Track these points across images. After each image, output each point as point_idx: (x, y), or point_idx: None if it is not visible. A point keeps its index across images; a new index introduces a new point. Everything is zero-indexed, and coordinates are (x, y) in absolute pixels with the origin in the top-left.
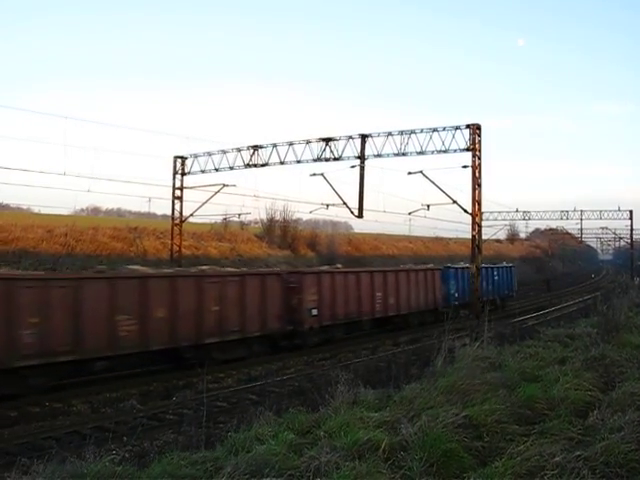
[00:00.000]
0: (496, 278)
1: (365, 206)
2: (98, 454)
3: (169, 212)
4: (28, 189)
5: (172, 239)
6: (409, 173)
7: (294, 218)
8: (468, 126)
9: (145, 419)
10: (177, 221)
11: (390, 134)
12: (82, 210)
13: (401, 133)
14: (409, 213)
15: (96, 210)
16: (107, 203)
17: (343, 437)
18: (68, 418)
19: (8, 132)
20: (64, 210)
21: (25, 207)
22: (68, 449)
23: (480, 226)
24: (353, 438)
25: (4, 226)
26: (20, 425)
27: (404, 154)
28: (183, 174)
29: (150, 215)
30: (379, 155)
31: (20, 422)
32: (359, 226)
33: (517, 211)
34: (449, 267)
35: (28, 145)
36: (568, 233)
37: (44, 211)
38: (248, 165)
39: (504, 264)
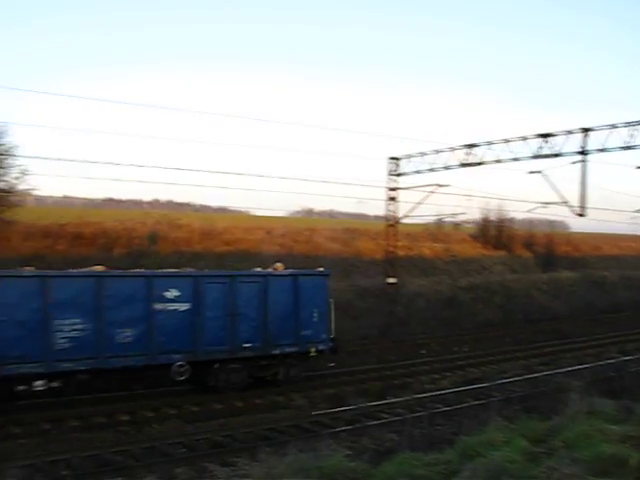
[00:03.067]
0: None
1: (587, 204)
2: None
3: (381, 213)
4: (244, 192)
5: (387, 240)
6: (638, 167)
7: (508, 217)
8: None
9: (362, 417)
10: (391, 222)
11: (614, 126)
12: (297, 212)
13: (628, 125)
14: (636, 211)
15: (310, 212)
16: (320, 205)
17: (583, 449)
18: (288, 411)
19: (215, 138)
20: (280, 212)
21: (244, 210)
22: (289, 442)
23: None
24: (595, 451)
25: (228, 228)
26: (246, 415)
27: (631, 147)
28: (397, 175)
29: (362, 216)
30: (603, 149)
31: (247, 412)
32: (577, 225)
33: None
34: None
35: (244, 150)
36: None
37: (261, 213)
38: (463, 164)
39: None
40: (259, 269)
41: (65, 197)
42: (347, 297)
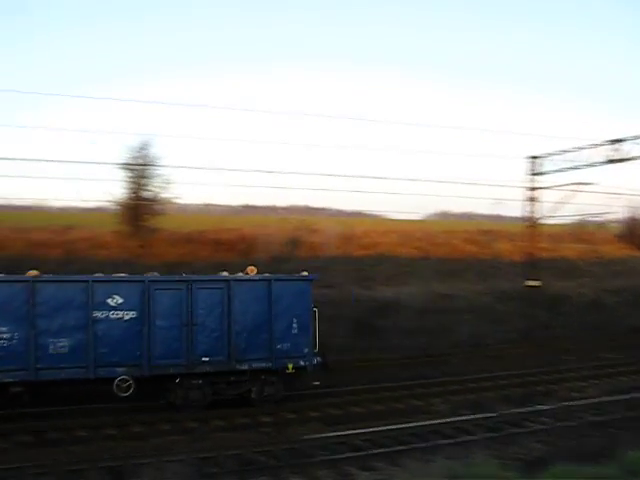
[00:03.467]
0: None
1: None
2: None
3: (517, 214)
4: (379, 196)
5: (527, 241)
6: None
7: None
8: None
9: (504, 424)
10: (531, 223)
11: None
12: (433, 215)
13: None
14: None
15: (445, 214)
16: (456, 206)
17: None
18: (428, 416)
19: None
20: (416, 215)
21: (379, 213)
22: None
23: None
24: None
25: (364, 232)
26: (386, 420)
27: None
28: (537, 174)
29: (497, 217)
30: None
31: (387, 417)
32: None
33: None
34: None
35: (378, 153)
36: None
37: (397, 217)
38: (608, 161)
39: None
40: (225, 273)
41: (207, 205)
42: (485, 300)
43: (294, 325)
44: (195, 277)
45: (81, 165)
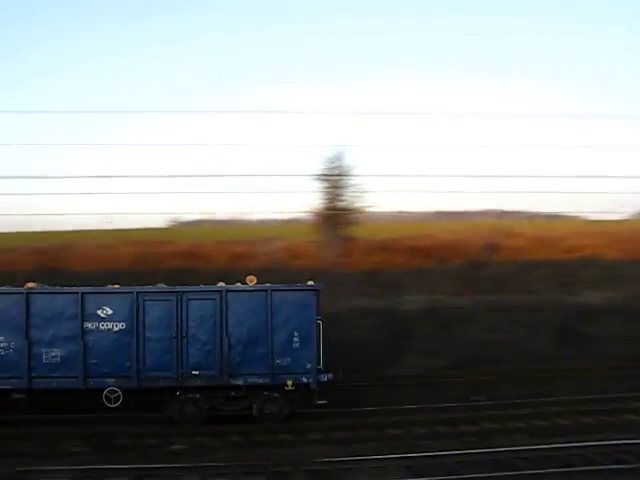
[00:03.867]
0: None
1: None
2: None
3: None
4: (578, 196)
5: None
6: None
7: None
8: None
9: None
10: None
11: None
12: (638, 213)
13: None
14: None
15: None
16: None
17: None
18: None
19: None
20: (618, 215)
21: (577, 214)
22: None
23: None
24: None
25: (564, 235)
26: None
27: None
28: None
29: None
30: None
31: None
32: None
33: None
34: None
35: (573, 152)
36: None
37: (596, 217)
38: None
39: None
40: (222, 284)
41: (400, 212)
42: None
43: (295, 339)
44: (187, 288)
45: (278, 178)
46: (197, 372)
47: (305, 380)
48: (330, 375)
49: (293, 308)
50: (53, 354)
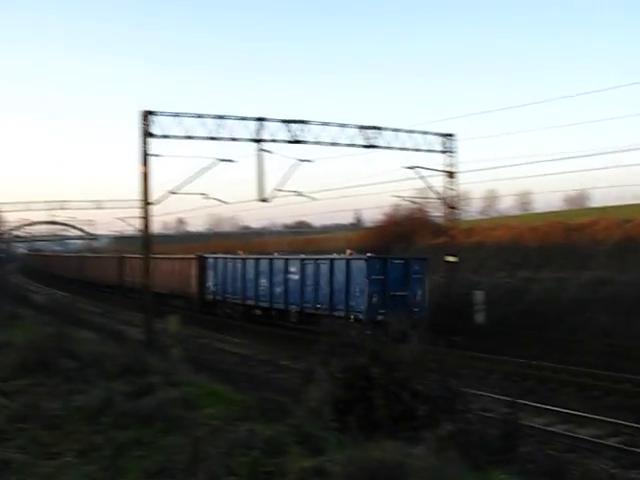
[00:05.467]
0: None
1: None
2: None
3: None
4: None
5: None
6: None
7: None
8: None
9: None
10: None
11: None
12: None
13: None
14: None
15: None
16: None
17: None
18: None
19: None
20: None
21: None
22: None
23: None
24: None
25: None
26: None
27: None
28: None
29: None
30: None
31: None
32: None
33: None
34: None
35: None
36: None
37: None
38: None
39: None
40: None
41: None
42: None
43: (357, 291)
44: (318, 256)
45: None
46: (319, 305)
47: (360, 317)
48: (381, 316)
49: (355, 271)
50: (278, 290)
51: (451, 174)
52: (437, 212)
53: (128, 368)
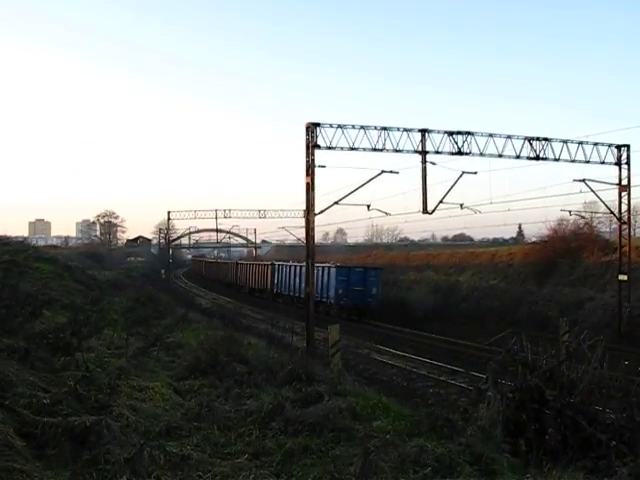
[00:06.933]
0: None
1: None
2: None
3: None
4: None
5: None
6: None
7: None
8: None
9: None
10: None
11: None
12: None
13: None
14: None
15: None
16: None
17: None
18: None
19: None
20: None
21: None
22: None
23: None
24: None
25: None
26: None
27: None
28: None
29: None
30: None
31: None
32: None
33: None
34: None
35: None
36: None
37: None
38: None
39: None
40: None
41: None
42: None
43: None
44: (319, 264)
45: None
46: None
47: (332, 301)
48: (343, 301)
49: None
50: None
51: (624, 187)
52: (606, 227)
53: (297, 375)
